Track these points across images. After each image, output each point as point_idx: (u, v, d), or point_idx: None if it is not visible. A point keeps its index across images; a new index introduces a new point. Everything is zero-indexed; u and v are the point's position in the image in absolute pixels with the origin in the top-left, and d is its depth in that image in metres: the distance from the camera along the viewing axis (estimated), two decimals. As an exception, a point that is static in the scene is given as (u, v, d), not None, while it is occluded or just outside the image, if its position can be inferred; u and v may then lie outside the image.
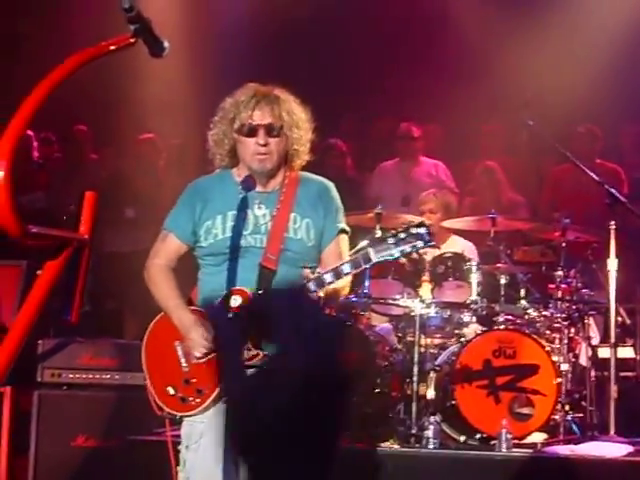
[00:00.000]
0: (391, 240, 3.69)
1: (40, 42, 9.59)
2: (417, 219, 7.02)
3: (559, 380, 6.06)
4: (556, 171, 8.91)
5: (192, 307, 3.93)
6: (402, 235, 3.68)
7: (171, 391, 3.88)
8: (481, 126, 9.66)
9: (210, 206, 3.94)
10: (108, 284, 8.43)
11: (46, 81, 2.11)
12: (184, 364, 3.88)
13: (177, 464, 3.96)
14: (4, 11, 10.21)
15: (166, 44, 2.61)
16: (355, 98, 10.35)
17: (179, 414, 3.90)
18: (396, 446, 5.79)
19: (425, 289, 6.43)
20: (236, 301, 3.80)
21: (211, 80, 9.09)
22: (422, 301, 6.30)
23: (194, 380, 3.85)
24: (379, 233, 6.42)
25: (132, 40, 2.44)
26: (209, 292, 3.93)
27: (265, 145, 3.86)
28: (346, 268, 3.73)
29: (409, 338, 6.43)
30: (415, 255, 3.79)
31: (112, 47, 2.37)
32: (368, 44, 10.59)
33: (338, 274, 3.72)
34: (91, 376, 6.75)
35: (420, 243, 3.68)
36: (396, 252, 3.68)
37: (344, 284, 3.92)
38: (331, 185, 4.06)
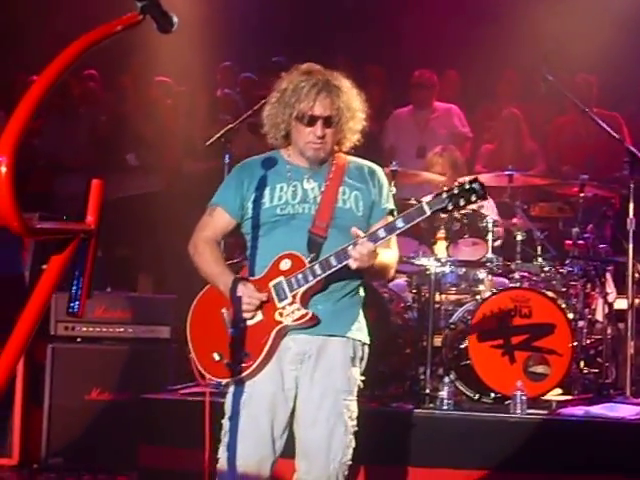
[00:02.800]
0: (445, 195, 3.73)
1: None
2: (433, 176, 7.02)
3: (575, 343, 6.00)
4: (558, 122, 8.82)
5: (238, 276, 3.93)
6: (456, 190, 3.74)
7: (217, 357, 3.88)
8: (499, 72, 9.52)
9: (258, 180, 3.95)
10: (117, 230, 8.40)
11: (49, 69, 2.01)
12: (230, 328, 3.87)
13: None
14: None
15: (175, 19, 2.52)
16: (371, 43, 10.21)
17: (224, 380, 3.92)
18: (410, 406, 5.76)
19: (440, 247, 6.37)
20: (286, 264, 3.82)
21: (221, 30, 9.02)
22: (437, 259, 6.24)
23: (241, 344, 3.84)
24: (394, 190, 6.36)
25: (140, 17, 2.36)
26: (258, 263, 3.93)
27: (322, 136, 3.85)
28: (399, 223, 3.77)
29: (424, 295, 6.38)
30: (470, 207, 3.83)
31: (119, 27, 2.28)
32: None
33: (392, 229, 3.76)
34: (104, 329, 6.77)
35: (474, 197, 3.74)
36: (450, 205, 3.72)
37: (392, 262, 3.97)
38: (379, 168, 4.10)
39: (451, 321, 6.30)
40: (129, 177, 8.99)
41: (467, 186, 3.74)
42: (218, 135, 6.23)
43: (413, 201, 6.51)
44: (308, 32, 9.44)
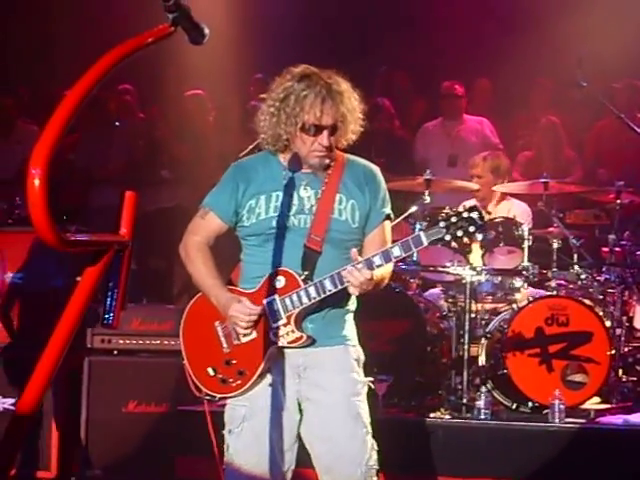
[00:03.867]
0: (442, 224, 3.65)
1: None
2: (467, 184, 6.98)
3: (613, 351, 5.95)
4: (597, 127, 8.75)
5: (231, 287, 3.88)
6: (454, 219, 3.64)
7: (211, 372, 3.85)
8: (531, 80, 9.47)
9: (254, 186, 3.86)
10: (152, 242, 8.42)
11: (82, 82, 2.02)
12: (225, 344, 3.84)
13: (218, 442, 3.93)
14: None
15: (206, 30, 2.52)
16: (402, 52, 10.20)
17: (219, 395, 3.87)
18: (447, 416, 5.73)
19: (475, 255, 6.33)
20: (280, 282, 3.76)
21: (253, 41, 9.05)
22: (472, 268, 6.21)
23: (235, 361, 3.81)
24: (427, 199, 6.35)
25: (171, 29, 2.36)
26: (251, 272, 3.87)
27: (329, 145, 3.78)
28: (396, 251, 3.67)
29: (459, 304, 6.35)
30: (466, 240, 3.69)
31: (150, 39, 2.28)
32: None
33: (387, 256, 3.67)
34: (141, 342, 6.78)
35: (472, 227, 3.63)
36: (447, 236, 3.64)
37: (387, 273, 3.86)
38: (377, 169, 3.98)
39: (487, 330, 6.26)
40: (162, 189, 9.03)
41: (465, 215, 3.64)
42: (251, 147, 6.23)
43: (447, 209, 6.48)
44: (341, 44, 9.47)
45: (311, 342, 3.77)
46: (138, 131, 9.72)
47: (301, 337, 3.75)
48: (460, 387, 6.03)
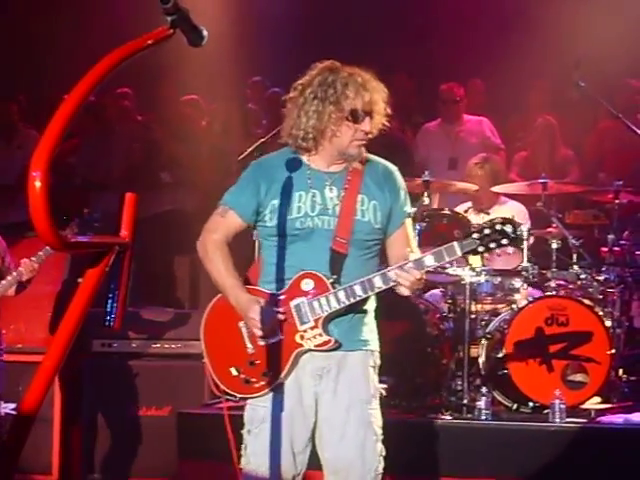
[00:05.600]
0: (476, 235, 3.71)
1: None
2: (466, 186, 6.98)
3: (613, 351, 5.95)
4: (599, 129, 8.76)
5: (251, 287, 3.87)
6: (487, 231, 3.71)
7: (234, 372, 3.84)
8: (528, 81, 9.48)
9: (277, 185, 3.84)
10: (151, 247, 8.43)
11: (81, 84, 2.03)
12: (249, 345, 3.83)
13: (237, 443, 3.92)
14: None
15: (205, 32, 2.53)
16: (399, 54, 10.21)
17: (241, 395, 3.87)
18: (447, 417, 5.74)
19: (475, 256, 6.33)
20: (308, 285, 3.77)
21: (251, 45, 9.05)
22: (472, 269, 6.21)
23: (259, 362, 3.81)
24: (426, 200, 6.35)
25: (170, 32, 2.37)
26: (274, 274, 3.85)
27: (369, 132, 3.80)
28: (429, 261, 3.71)
29: (459, 305, 6.36)
30: (498, 251, 3.78)
31: (150, 41, 2.29)
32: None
33: (421, 266, 3.69)
34: (141, 345, 6.79)
35: (505, 240, 3.72)
36: (480, 248, 3.72)
37: None
38: (395, 168, 4.00)
39: (487, 331, 6.27)
40: (162, 193, 9.05)
41: (498, 227, 3.71)
42: (250, 149, 6.23)
43: (446, 211, 6.51)
44: (338, 46, 9.46)
45: (338, 346, 3.77)
46: (136, 134, 9.73)
47: (329, 341, 3.76)
48: (460, 388, 6.03)
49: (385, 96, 3.83)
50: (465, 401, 5.92)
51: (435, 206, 6.92)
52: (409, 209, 3.99)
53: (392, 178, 3.95)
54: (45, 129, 1.95)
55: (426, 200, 6.34)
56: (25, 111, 9.53)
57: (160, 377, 6.70)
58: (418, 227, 6.04)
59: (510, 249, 6.24)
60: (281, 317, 3.77)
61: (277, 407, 3.78)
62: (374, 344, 3.92)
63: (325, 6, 10.29)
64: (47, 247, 5.56)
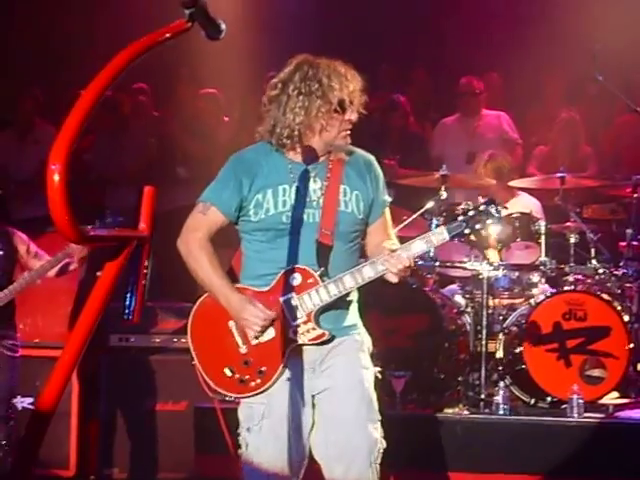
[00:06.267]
0: (461, 218, 3.77)
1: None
2: (483, 180, 6.97)
3: (631, 346, 5.92)
4: (617, 123, 8.70)
5: (239, 285, 3.82)
6: (471, 213, 3.78)
7: (228, 372, 3.78)
8: (545, 75, 9.44)
9: (259, 179, 3.80)
10: (170, 242, 8.44)
11: (100, 78, 2.03)
12: (241, 344, 3.79)
13: (231, 436, 3.89)
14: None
15: (223, 26, 2.52)
16: (415, 47, 10.18)
17: (238, 396, 3.80)
18: (465, 412, 5.73)
19: (492, 251, 6.32)
20: (296, 279, 3.74)
21: (267, 39, 9.04)
22: (490, 264, 6.20)
23: (254, 360, 3.76)
24: (444, 195, 6.33)
25: (188, 25, 2.36)
26: (258, 269, 3.82)
27: (354, 121, 3.80)
28: (418, 246, 3.73)
29: (477, 299, 6.34)
30: (484, 232, 3.78)
31: (168, 34, 2.29)
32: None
33: (410, 252, 3.70)
34: (159, 340, 6.79)
35: (489, 220, 3.79)
36: (467, 229, 3.77)
37: None
38: (374, 158, 3.98)
39: (505, 325, 6.25)
40: (177, 188, 9.04)
41: (482, 208, 3.79)
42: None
43: (464, 205, 6.48)
44: (355, 41, 9.45)
45: (331, 338, 3.76)
46: (151, 130, 9.73)
47: (323, 334, 3.74)
48: (478, 382, 6.03)
49: (361, 84, 3.81)
50: (482, 396, 5.92)
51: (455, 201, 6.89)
52: (388, 198, 3.98)
53: (373, 167, 3.93)
54: (63, 123, 1.94)
55: (444, 194, 6.30)
56: (41, 106, 9.55)
57: (177, 372, 6.68)
58: (435, 221, 6.03)
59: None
60: (273, 314, 3.73)
61: (276, 403, 3.74)
62: (362, 329, 3.90)
63: (343, 2, 10.26)
64: None
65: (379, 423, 3.81)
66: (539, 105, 9.52)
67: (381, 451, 3.80)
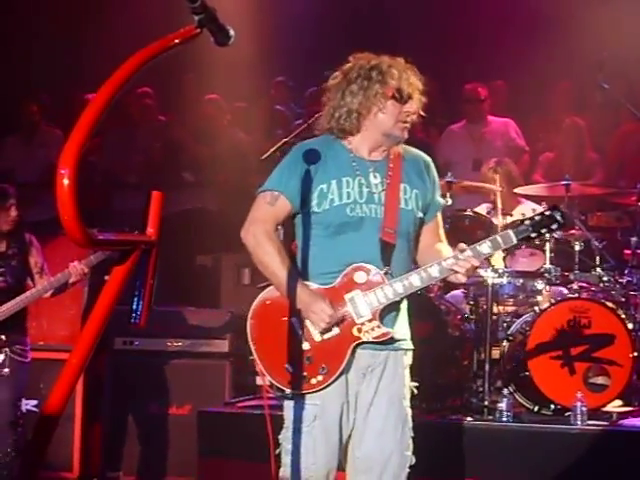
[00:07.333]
0: (528, 222, 3.85)
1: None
2: (489, 187, 6.96)
3: (635, 354, 5.92)
4: (620, 132, 8.70)
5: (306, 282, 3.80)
6: (537, 218, 3.86)
7: (290, 369, 3.77)
8: (553, 83, 9.44)
9: (322, 170, 3.79)
10: (174, 245, 8.46)
11: (109, 84, 2.04)
12: (304, 341, 3.77)
13: (276, 443, 3.87)
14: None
15: (232, 32, 2.53)
16: (421, 54, 10.18)
17: (298, 392, 3.77)
18: (469, 419, 5.73)
19: (497, 257, 6.32)
20: (362, 277, 3.74)
21: (274, 45, 9.05)
22: (495, 270, 6.20)
23: (316, 358, 3.75)
24: (449, 201, 6.33)
25: (197, 31, 2.37)
26: (320, 267, 3.80)
27: (414, 113, 3.84)
28: (486, 248, 3.77)
29: (481, 306, 6.34)
30: (547, 236, 3.96)
31: (177, 40, 2.30)
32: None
33: (478, 254, 3.74)
34: (162, 344, 6.81)
35: (554, 225, 3.88)
36: (533, 233, 3.84)
37: None
38: (431, 160, 4.04)
39: (509, 332, 6.25)
40: (183, 192, 9.07)
41: (547, 213, 3.86)
42: (273, 149, 6.23)
43: (469, 212, 6.50)
44: (362, 47, 9.43)
45: (392, 339, 3.78)
46: (157, 133, 9.77)
47: (388, 332, 3.76)
48: (482, 389, 6.02)
49: (422, 86, 3.87)
50: (486, 403, 5.90)
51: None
52: (442, 200, 4.07)
53: (431, 168, 3.99)
54: (73, 127, 1.95)
55: (449, 201, 6.31)
56: (48, 110, 9.58)
57: (181, 375, 6.73)
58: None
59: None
60: (341, 313, 3.73)
61: (329, 405, 3.76)
62: (410, 343, 3.94)
63: (349, 7, 10.28)
64: (99, 252, 5.54)
65: (412, 440, 3.85)
66: (545, 112, 9.53)
67: (410, 466, 3.85)
